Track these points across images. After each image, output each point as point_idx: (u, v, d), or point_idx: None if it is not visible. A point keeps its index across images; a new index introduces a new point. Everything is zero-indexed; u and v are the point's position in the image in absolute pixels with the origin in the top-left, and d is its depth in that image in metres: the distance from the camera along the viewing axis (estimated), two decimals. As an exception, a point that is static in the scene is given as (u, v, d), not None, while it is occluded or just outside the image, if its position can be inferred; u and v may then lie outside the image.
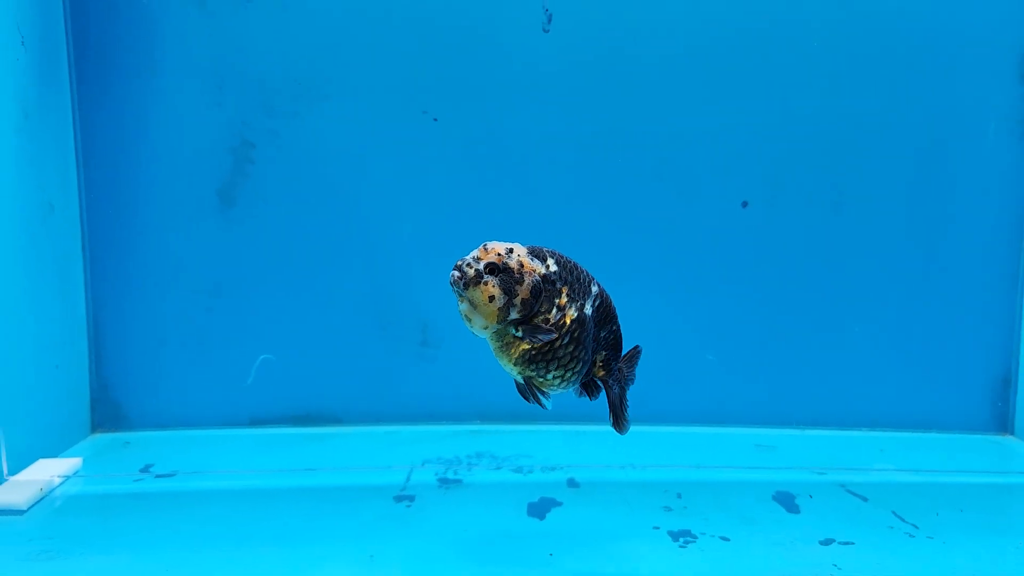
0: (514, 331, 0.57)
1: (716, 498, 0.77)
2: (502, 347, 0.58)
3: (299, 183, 0.98)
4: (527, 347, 0.57)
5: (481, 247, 0.57)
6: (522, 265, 0.56)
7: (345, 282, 1.00)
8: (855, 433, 1.00)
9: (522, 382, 0.61)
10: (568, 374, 0.60)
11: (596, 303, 0.61)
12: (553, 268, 0.58)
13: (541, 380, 0.60)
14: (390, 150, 0.98)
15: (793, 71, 0.97)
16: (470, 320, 0.57)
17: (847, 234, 1.00)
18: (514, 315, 0.56)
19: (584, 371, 0.61)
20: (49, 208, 0.90)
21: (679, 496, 0.78)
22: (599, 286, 0.62)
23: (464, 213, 0.99)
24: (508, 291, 0.55)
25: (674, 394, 1.01)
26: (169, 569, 0.63)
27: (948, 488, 0.82)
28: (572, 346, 0.59)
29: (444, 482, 0.83)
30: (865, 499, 0.77)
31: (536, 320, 0.57)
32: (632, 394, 1.00)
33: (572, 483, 0.82)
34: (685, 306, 1.01)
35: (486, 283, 0.55)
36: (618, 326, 0.64)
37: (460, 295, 0.56)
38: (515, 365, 0.59)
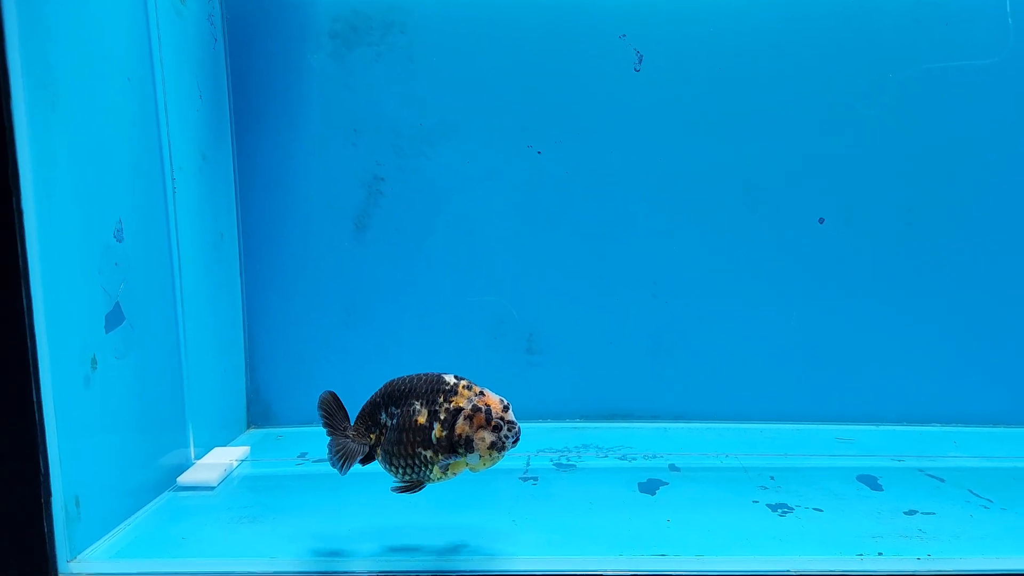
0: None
1: (805, 479, 0.87)
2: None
3: (422, 211, 1.12)
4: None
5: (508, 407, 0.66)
6: None
7: (461, 297, 1.13)
8: (929, 428, 1.08)
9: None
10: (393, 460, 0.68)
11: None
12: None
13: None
14: (500, 181, 1.11)
15: (868, 102, 1.07)
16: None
17: (919, 243, 1.09)
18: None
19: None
20: (219, 236, 1.06)
21: (772, 478, 0.88)
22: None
23: (563, 235, 1.12)
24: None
25: (757, 394, 1.12)
26: (350, 529, 0.76)
27: (1020, 471, 0.90)
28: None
29: (559, 466, 0.95)
30: (942, 480, 0.87)
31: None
32: (718, 394, 1.12)
33: (673, 467, 0.93)
34: (768, 315, 1.11)
35: None
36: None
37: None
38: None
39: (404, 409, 0.67)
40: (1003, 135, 1.07)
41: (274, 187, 1.12)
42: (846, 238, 1.10)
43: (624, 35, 1.08)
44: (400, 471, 0.68)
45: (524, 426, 1.11)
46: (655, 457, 0.98)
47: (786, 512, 0.78)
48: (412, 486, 0.68)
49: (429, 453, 0.65)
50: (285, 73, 1.10)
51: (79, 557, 0.70)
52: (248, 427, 1.14)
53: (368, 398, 0.71)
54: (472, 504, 0.82)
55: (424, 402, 0.66)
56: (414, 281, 1.13)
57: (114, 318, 0.78)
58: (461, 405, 0.65)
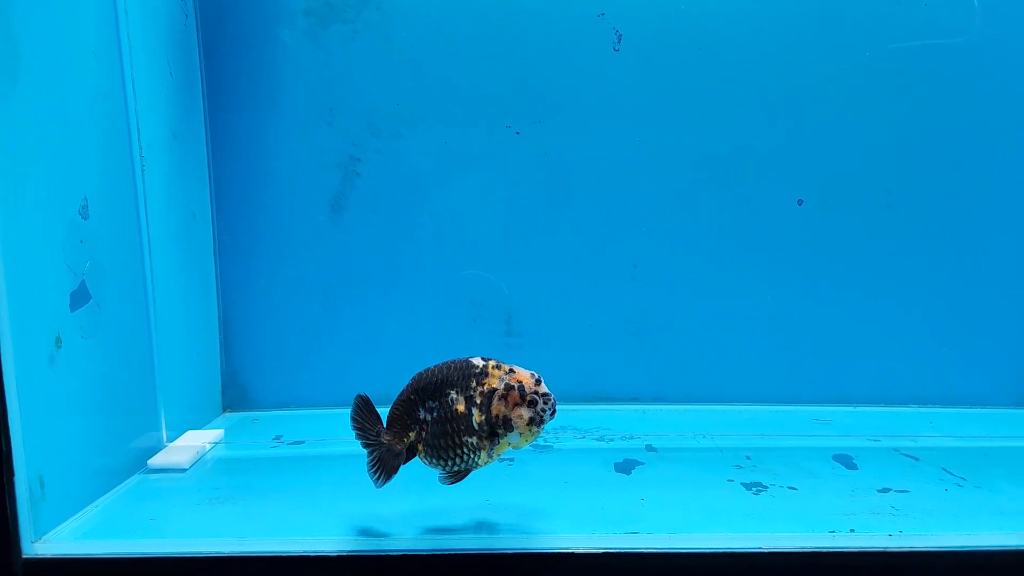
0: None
1: (782, 459, 0.87)
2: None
3: (399, 193, 1.10)
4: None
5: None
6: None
7: (440, 279, 1.12)
8: (906, 409, 1.09)
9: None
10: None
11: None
12: None
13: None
14: (478, 161, 1.10)
15: (844, 84, 1.07)
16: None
17: (897, 226, 1.09)
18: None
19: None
20: (192, 216, 1.04)
21: (748, 458, 0.88)
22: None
23: (543, 215, 1.11)
24: None
25: (736, 376, 1.12)
26: (322, 510, 0.75)
27: (995, 451, 0.91)
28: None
29: (537, 447, 0.94)
30: (917, 459, 0.87)
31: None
32: (697, 376, 1.12)
33: (650, 448, 0.93)
34: (748, 297, 1.11)
35: None
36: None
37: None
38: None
39: (442, 400, 0.66)
40: (979, 115, 1.07)
41: (248, 167, 1.10)
42: (825, 220, 1.10)
43: (603, 14, 1.07)
44: (448, 462, 0.67)
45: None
46: (632, 438, 0.97)
47: (760, 490, 0.78)
48: (459, 474, 0.68)
49: (474, 439, 0.65)
50: (259, 51, 1.08)
51: (44, 537, 0.69)
52: (224, 410, 1.13)
53: (396, 398, 0.69)
54: (446, 486, 0.82)
55: (459, 390, 0.65)
56: (392, 263, 1.12)
57: (80, 296, 0.76)
58: (494, 386, 0.65)
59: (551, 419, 0.65)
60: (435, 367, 0.68)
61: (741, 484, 0.80)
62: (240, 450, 0.96)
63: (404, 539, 0.68)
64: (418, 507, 0.75)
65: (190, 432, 0.98)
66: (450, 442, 0.66)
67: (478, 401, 0.65)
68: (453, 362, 0.67)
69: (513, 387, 0.64)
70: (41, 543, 0.68)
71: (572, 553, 0.65)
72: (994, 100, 1.07)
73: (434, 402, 0.66)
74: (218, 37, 1.08)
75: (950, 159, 1.08)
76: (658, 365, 1.14)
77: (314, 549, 0.67)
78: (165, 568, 0.67)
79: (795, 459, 0.87)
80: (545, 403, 0.64)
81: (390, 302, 1.12)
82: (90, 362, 0.78)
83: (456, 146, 1.10)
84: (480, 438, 0.65)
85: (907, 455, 0.88)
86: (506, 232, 1.12)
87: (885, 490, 0.77)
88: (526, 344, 1.14)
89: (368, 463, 0.68)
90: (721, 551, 0.64)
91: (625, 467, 0.86)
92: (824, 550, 0.64)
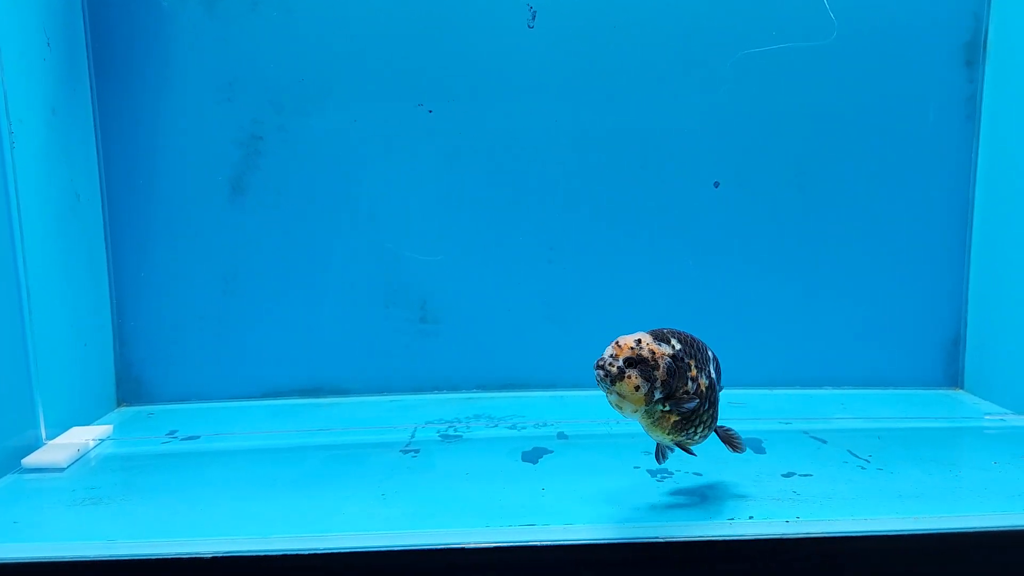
0: (661, 408, 0.62)
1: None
2: (654, 423, 0.64)
3: (306, 173, 1.05)
4: (677, 418, 0.63)
5: (613, 344, 0.61)
6: (653, 352, 0.61)
7: (350, 264, 1.07)
8: (820, 391, 1.09)
9: (671, 446, 0.68)
10: (707, 430, 0.68)
11: (714, 365, 0.68)
12: (678, 347, 0.63)
13: (689, 440, 0.67)
14: (389, 141, 1.06)
15: (758, 65, 1.05)
16: (620, 408, 0.62)
17: (811, 210, 1.09)
18: (658, 395, 0.61)
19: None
20: (76, 197, 0.97)
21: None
22: (711, 351, 0.69)
23: (457, 197, 1.07)
24: (648, 378, 0.60)
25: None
26: (203, 510, 0.71)
27: (901, 432, 0.91)
28: (711, 408, 0.67)
29: (445, 437, 0.91)
30: (824, 441, 0.86)
31: (677, 395, 0.62)
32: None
33: (562, 435, 0.91)
34: (663, 280, 1.09)
35: (629, 376, 0.60)
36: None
37: (608, 390, 0.61)
38: (668, 435, 0.65)
39: None
40: (883, 99, 1.07)
41: (141, 144, 1.03)
42: (741, 202, 1.09)
43: (518, -11, 1.04)
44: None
45: (417, 398, 1.09)
46: (545, 425, 0.95)
47: (665, 477, 0.76)
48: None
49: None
50: (151, 21, 1.01)
51: None
52: (119, 404, 1.06)
53: None
54: (342, 479, 0.78)
55: None
56: (298, 247, 1.07)
57: (-71, 283, 0.70)
58: None
59: (605, 385, 0.60)
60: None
61: (647, 471, 0.78)
62: (128, 447, 0.90)
63: (281, 539, 0.64)
64: (304, 506, 0.71)
65: (75, 428, 0.92)
66: None
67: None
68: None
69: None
70: None
71: (461, 548, 0.61)
72: (897, 85, 1.07)
73: None
74: (106, 6, 1.00)
75: (858, 141, 1.08)
76: (575, 350, 1.10)
77: (188, 551, 0.63)
78: (21, 574, 0.62)
79: (705, 444, 0.85)
80: (595, 369, 0.61)
81: (296, 288, 1.07)
82: (-56, 355, 0.71)
83: (365, 125, 1.05)
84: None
85: (815, 438, 0.88)
86: (419, 215, 1.08)
87: (789, 474, 0.76)
88: (442, 331, 1.10)
89: None
90: (616, 541, 0.62)
91: (533, 456, 0.83)
92: (722, 539, 0.62)
